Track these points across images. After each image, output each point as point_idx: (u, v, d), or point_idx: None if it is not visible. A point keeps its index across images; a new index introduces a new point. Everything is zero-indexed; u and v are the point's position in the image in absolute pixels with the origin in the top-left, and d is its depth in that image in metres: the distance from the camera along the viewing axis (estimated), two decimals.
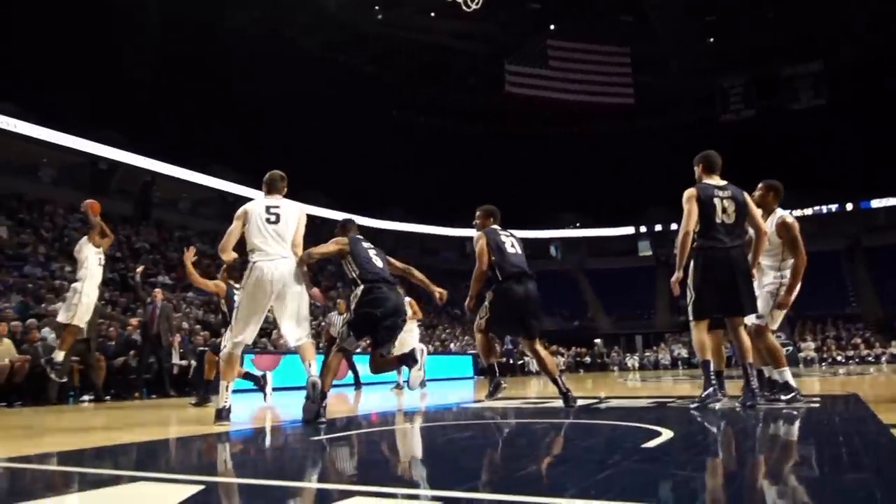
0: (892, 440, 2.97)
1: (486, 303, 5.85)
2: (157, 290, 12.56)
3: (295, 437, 4.42)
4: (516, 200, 42.62)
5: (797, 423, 4.11)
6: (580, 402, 5.89)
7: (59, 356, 7.70)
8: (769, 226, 5.23)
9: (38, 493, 2.38)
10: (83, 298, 7.88)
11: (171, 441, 4.30)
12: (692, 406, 4.85)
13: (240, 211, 5.21)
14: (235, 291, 6.69)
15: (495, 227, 6.10)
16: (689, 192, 5.01)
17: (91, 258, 8.19)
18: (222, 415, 4.84)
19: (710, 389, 4.82)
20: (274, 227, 5.02)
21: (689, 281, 5.00)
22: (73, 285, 8.08)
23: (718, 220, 4.86)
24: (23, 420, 6.59)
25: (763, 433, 3.78)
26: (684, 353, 27.64)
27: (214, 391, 8.06)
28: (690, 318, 5.03)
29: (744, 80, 40.17)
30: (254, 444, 4.10)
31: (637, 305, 40.16)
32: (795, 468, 2.65)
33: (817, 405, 5.21)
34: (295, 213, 5.16)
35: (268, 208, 5.09)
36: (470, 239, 35.50)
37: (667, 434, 3.46)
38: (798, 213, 38.64)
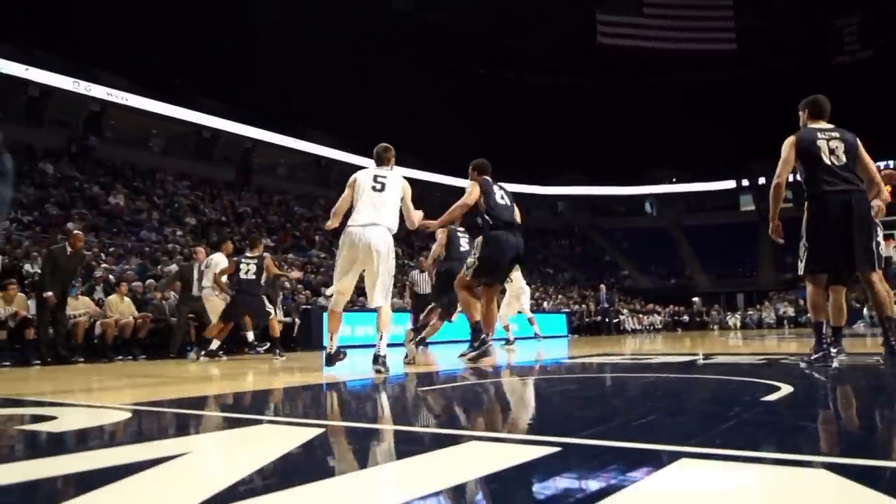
0: None
1: (476, 252, 6.08)
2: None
3: (403, 387, 4.53)
4: (610, 156, 41.63)
5: None
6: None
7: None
8: None
9: (165, 434, 2.55)
10: None
11: (289, 389, 4.50)
12: (802, 365, 4.58)
13: (351, 179, 5.65)
14: None
15: (487, 178, 6.22)
16: (789, 140, 4.70)
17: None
18: (330, 360, 5.60)
19: (821, 353, 4.49)
20: (378, 195, 5.42)
21: (803, 232, 4.71)
22: None
23: (828, 163, 4.51)
24: (147, 370, 7.07)
25: (890, 388, 3.55)
26: (791, 311, 26.38)
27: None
28: (801, 272, 4.73)
29: (860, 18, 37.05)
30: (364, 393, 4.23)
31: (738, 263, 38.53)
32: None
33: None
34: (399, 183, 5.56)
35: (375, 177, 5.53)
36: (562, 197, 35.06)
37: (786, 389, 3.31)
38: None
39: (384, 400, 3.87)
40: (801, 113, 4.91)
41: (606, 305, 24.00)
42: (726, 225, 41.01)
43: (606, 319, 23.48)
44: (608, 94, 40.98)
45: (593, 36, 37.87)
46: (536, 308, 23.51)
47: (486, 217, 5.89)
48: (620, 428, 2.39)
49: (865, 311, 24.55)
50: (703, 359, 6.30)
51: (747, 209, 42.93)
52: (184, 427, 2.76)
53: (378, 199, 5.39)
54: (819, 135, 4.60)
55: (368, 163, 6.07)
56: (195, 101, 28.39)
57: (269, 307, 9.50)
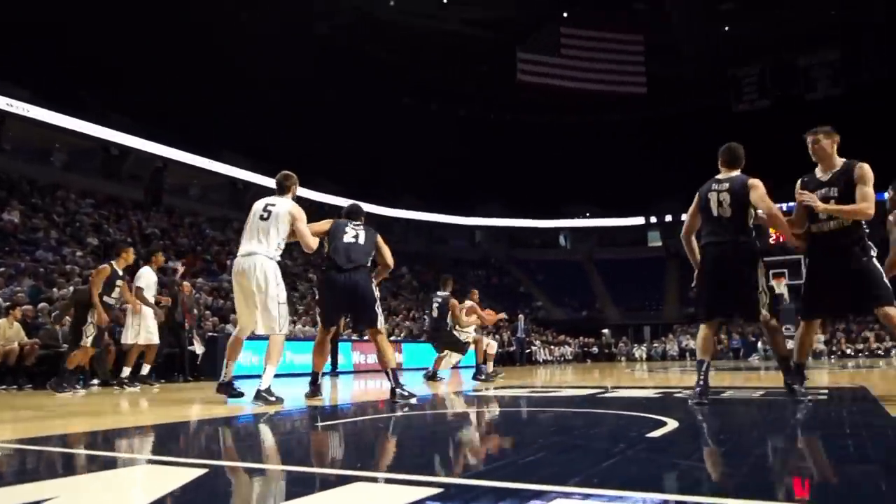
0: None
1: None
2: (181, 274, 12.64)
3: (296, 422, 4.44)
4: (527, 189, 42.66)
5: (803, 415, 4.08)
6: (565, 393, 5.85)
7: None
8: None
9: (42, 475, 2.39)
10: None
11: (180, 424, 4.32)
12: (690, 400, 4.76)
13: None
14: None
15: (345, 220, 6.12)
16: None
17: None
18: (223, 388, 5.72)
19: (699, 389, 4.62)
20: (263, 223, 5.54)
21: (695, 280, 4.96)
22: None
23: (715, 214, 4.73)
24: (31, 402, 6.65)
25: (768, 424, 3.76)
26: (692, 344, 27.53)
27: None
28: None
29: (759, 70, 39.77)
30: (257, 429, 4.11)
31: (645, 296, 40.03)
32: (799, 459, 2.63)
33: (825, 397, 5.18)
34: (285, 209, 5.60)
35: (266, 206, 5.64)
36: (480, 227, 35.42)
37: (672, 424, 3.45)
38: None
39: (275, 437, 3.78)
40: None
41: (522, 336, 24.40)
42: (635, 260, 42.63)
43: (521, 350, 23.84)
44: (527, 128, 42.13)
45: (514, 73, 38.93)
46: None
47: (325, 258, 5.89)
48: (508, 466, 2.42)
49: (760, 344, 26.00)
50: (604, 392, 6.48)
51: (655, 245, 44.80)
52: (57, 467, 2.60)
53: (262, 227, 5.49)
54: (714, 186, 4.82)
55: None
56: (104, 116, 27.27)
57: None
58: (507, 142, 40.79)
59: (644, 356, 29.22)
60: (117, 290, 8.47)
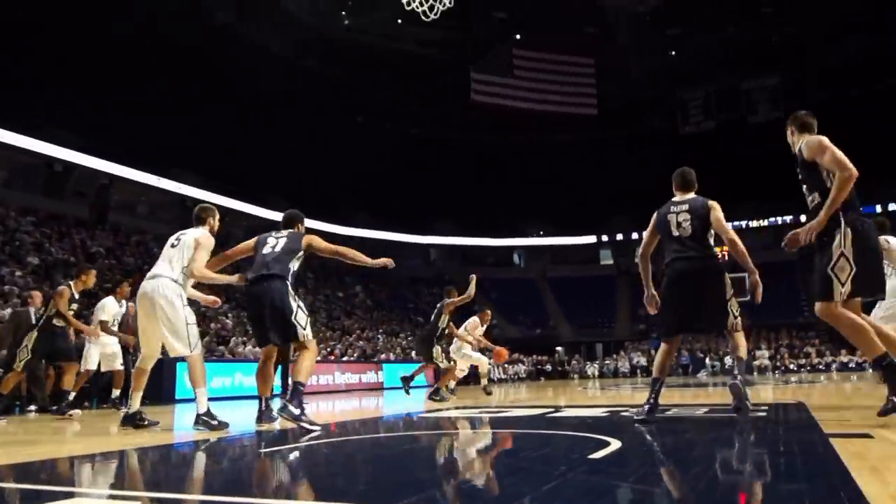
0: (829, 449, 3.04)
1: None
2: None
3: (238, 449, 4.35)
4: (481, 208, 42.96)
5: (742, 433, 4.19)
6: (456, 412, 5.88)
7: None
8: None
9: None
10: None
11: (118, 453, 4.18)
12: (636, 417, 4.86)
13: None
14: None
15: (271, 232, 5.81)
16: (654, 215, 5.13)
17: None
18: (129, 420, 5.62)
19: (648, 406, 4.74)
20: (172, 250, 5.64)
21: (659, 299, 5.07)
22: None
23: (675, 234, 4.88)
24: None
25: (707, 443, 3.84)
26: (643, 361, 28.02)
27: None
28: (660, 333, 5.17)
29: (704, 93, 41.01)
30: (198, 456, 4.02)
31: (598, 314, 40.57)
32: (732, 478, 2.69)
33: (764, 413, 5.32)
34: (191, 238, 5.65)
35: (178, 235, 5.77)
36: (434, 246, 35.37)
37: (615, 444, 3.49)
38: (755, 223, 39.73)
39: (213, 464, 3.70)
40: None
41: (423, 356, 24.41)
42: (588, 277, 43.21)
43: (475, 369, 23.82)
44: (481, 148, 42.48)
45: (468, 92, 39.31)
46: (404, 357, 23.53)
47: None
48: (450, 492, 2.42)
49: (708, 360, 26.62)
50: (554, 412, 6.53)
51: (606, 263, 45.54)
52: None
53: (170, 254, 5.60)
54: (672, 208, 4.97)
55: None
56: (47, 131, 26.47)
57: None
58: (461, 161, 41.05)
59: (596, 373, 29.57)
60: (70, 313, 8.25)
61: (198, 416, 5.23)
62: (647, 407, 4.74)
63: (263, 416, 5.79)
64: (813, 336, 29.58)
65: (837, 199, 3.90)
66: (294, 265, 5.50)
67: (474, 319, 10.88)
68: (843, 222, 3.89)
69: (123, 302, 9.59)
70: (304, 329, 5.26)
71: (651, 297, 5.05)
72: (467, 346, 10.83)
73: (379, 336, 25.79)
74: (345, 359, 19.87)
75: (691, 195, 5.04)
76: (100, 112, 26.86)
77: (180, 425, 6.76)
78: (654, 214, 5.08)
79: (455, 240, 44.60)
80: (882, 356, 3.79)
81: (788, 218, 40.64)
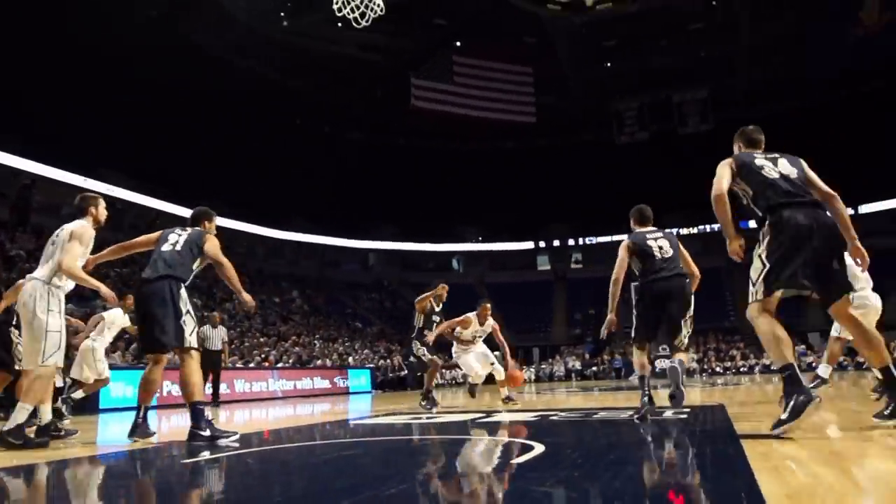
0: (738, 450, 3.18)
1: None
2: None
3: (152, 461, 4.24)
4: (420, 213, 42.99)
5: (662, 435, 4.33)
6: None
7: None
8: None
9: None
10: None
11: (30, 467, 4.01)
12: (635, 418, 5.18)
13: None
14: None
15: (176, 228, 5.60)
16: (623, 244, 5.54)
17: None
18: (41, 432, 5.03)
19: (644, 402, 5.24)
20: (50, 248, 5.21)
21: (635, 310, 5.58)
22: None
23: (658, 257, 5.43)
24: None
25: (626, 445, 3.96)
26: (578, 365, 28.57)
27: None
28: (632, 339, 5.66)
29: (638, 104, 42.16)
30: (119, 469, 3.89)
31: (535, 319, 41.12)
32: (644, 479, 2.78)
33: (685, 416, 5.52)
34: (67, 231, 5.21)
35: (58, 231, 5.29)
36: (373, 251, 35.04)
37: (539, 449, 3.56)
38: (686, 231, 41.06)
39: (130, 478, 3.59)
40: (631, 219, 5.86)
41: (413, 360, 24.38)
42: (525, 283, 43.75)
43: (413, 374, 23.81)
44: (421, 153, 42.53)
45: (408, 98, 39.30)
46: (341, 363, 23.31)
47: None
48: (367, 501, 2.42)
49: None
50: (486, 417, 6.59)
51: (544, 269, 46.25)
52: None
53: (48, 252, 5.19)
54: (648, 236, 5.54)
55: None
56: None
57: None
58: (400, 166, 41.02)
59: (533, 377, 29.94)
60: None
61: (6, 431, 4.71)
62: (645, 399, 5.24)
63: (139, 428, 5.25)
64: (738, 339, 30.77)
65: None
66: (195, 265, 5.22)
67: (465, 317, 9.41)
68: (766, 224, 4.00)
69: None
70: (190, 335, 4.95)
71: (612, 322, 5.38)
72: (461, 349, 9.61)
73: (316, 342, 25.47)
74: (280, 365, 19.54)
75: (652, 226, 5.70)
76: (22, 108, 25.70)
77: (105, 438, 6.53)
78: (627, 243, 5.50)
79: (395, 245, 44.50)
80: (787, 366, 3.75)
81: (716, 226, 42.15)
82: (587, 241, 45.71)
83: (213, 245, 5.33)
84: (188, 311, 4.99)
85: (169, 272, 5.02)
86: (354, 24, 7.91)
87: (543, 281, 43.97)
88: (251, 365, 18.85)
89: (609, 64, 39.89)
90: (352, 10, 7.52)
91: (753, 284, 3.90)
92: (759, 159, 4.24)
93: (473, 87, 39.64)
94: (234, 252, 36.24)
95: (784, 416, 3.58)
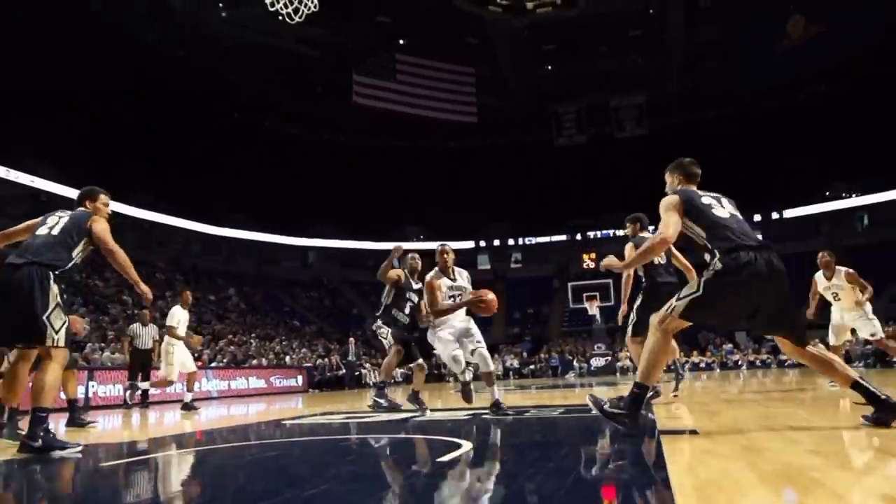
0: (657, 446, 3.29)
1: None
2: None
3: (73, 464, 4.09)
4: (361, 211, 42.69)
5: (587, 432, 4.43)
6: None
7: None
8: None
9: None
10: None
11: None
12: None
13: None
14: None
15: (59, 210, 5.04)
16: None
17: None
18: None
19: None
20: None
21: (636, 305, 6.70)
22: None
23: (656, 262, 6.72)
24: None
25: (551, 443, 4.03)
26: (516, 363, 28.92)
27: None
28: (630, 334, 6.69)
29: (576, 108, 42.95)
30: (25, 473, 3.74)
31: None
32: (564, 474, 2.84)
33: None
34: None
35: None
36: (312, 248, 34.56)
37: (465, 446, 3.60)
38: (621, 232, 42.06)
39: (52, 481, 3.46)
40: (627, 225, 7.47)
41: (353, 359, 24.27)
42: None
43: (351, 373, 23.68)
44: (362, 151, 42.24)
45: (349, 95, 38.95)
46: (277, 362, 22.96)
47: None
48: (288, 501, 2.40)
49: (575, 363, 27.86)
50: (420, 415, 6.60)
51: (484, 268, 46.53)
52: None
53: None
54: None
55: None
56: None
57: None
58: (341, 163, 40.65)
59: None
60: None
61: None
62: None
63: (3, 429, 4.82)
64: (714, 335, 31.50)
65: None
66: (75, 252, 4.64)
67: (429, 281, 6.71)
68: (719, 262, 3.76)
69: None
70: (56, 333, 4.34)
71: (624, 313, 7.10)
72: (440, 326, 6.61)
73: (252, 341, 25.00)
74: (213, 364, 19.09)
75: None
76: None
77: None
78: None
79: (334, 243, 44.04)
80: (646, 387, 3.75)
81: (651, 227, 43.37)
82: (527, 240, 46.30)
83: (100, 228, 4.74)
84: (59, 305, 4.41)
85: (37, 259, 4.45)
86: (288, 19, 7.80)
87: (483, 280, 44.26)
88: (214, 366, 18.36)
89: (549, 67, 40.49)
90: (285, 4, 7.41)
91: (679, 299, 3.78)
92: (706, 197, 4.03)
93: (416, 85, 39.62)
94: (169, 247, 35.36)
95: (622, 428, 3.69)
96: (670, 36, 35.99)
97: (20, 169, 28.15)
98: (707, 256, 3.91)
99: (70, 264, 4.61)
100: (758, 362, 24.88)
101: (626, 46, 37.59)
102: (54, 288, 4.41)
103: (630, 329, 6.58)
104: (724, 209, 4.00)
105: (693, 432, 3.82)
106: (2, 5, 24.78)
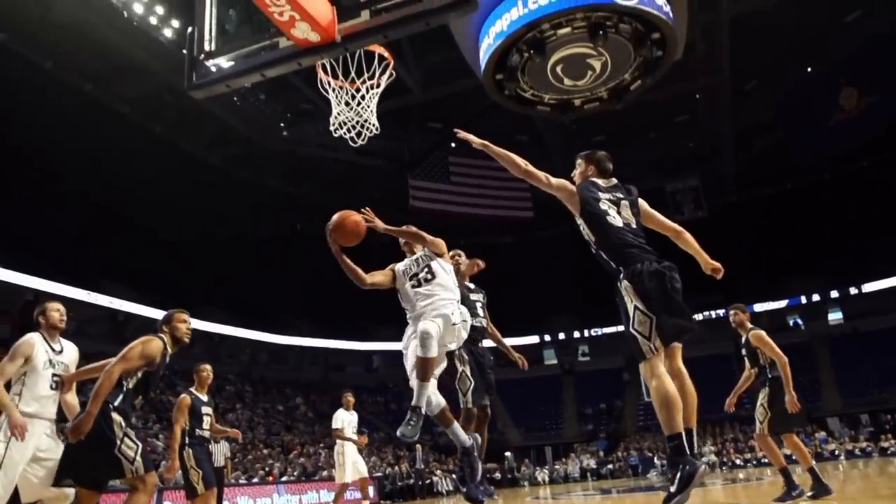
0: None
1: None
2: None
3: None
4: None
5: None
6: None
7: None
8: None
9: None
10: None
11: None
12: None
13: None
14: None
15: None
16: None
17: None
18: None
19: None
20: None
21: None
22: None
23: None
24: None
25: None
26: (593, 463, 27.58)
27: None
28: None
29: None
30: None
31: (545, 416, 40.11)
32: None
33: None
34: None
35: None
36: (376, 353, 34.68)
37: None
38: (696, 317, 40.78)
39: None
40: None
41: (421, 466, 23.62)
42: (532, 379, 42.89)
43: (420, 482, 22.98)
44: None
45: (407, 199, 39.96)
46: None
47: None
48: None
49: (656, 459, 26.36)
50: None
51: (550, 363, 45.45)
52: None
53: None
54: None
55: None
56: None
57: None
58: None
59: (547, 479, 28.84)
60: (207, 419, 7.71)
61: None
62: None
63: None
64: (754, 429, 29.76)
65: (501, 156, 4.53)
66: (125, 383, 4.62)
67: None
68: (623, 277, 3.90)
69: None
70: (133, 463, 4.31)
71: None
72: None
73: (321, 451, 24.67)
74: (284, 478, 18.82)
75: None
76: (21, 225, 26.06)
77: None
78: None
79: (398, 345, 43.90)
80: (676, 435, 3.50)
81: (722, 311, 41.94)
82: (593, 332, 45.21)
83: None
84: (126, 435, 4.42)
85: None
86: (351, 143, 8.15)
87: (551, 375, 43.14)
88: (254, 480, 18.17)
89: None
90: (348, 130, 7.77)
91: (647, 339, 3.73)
92: (603, 203, 4.21)
93: (471, 185, 40.44)
94: (238, 359, 35.99)
95: (673, 490, 3.41)
96: (718, 118, 36.03)
97: (98, 291, 29.53)
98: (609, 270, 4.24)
99: (121, 394, 4.61)
100: (857, 451, 23.03)
101: (675, 131, 37.77)
102: (116, 418, 4.43)
103: (762, 426, 7.04)
104: (620, 217, 4.42)
105: None
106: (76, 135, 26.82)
